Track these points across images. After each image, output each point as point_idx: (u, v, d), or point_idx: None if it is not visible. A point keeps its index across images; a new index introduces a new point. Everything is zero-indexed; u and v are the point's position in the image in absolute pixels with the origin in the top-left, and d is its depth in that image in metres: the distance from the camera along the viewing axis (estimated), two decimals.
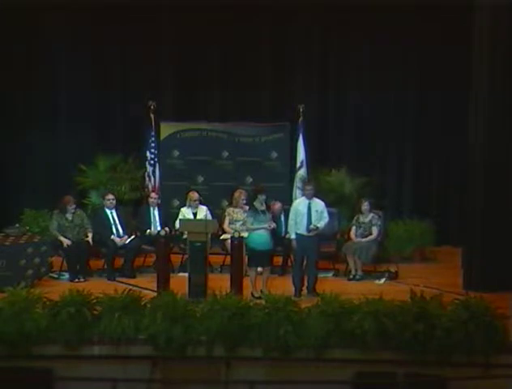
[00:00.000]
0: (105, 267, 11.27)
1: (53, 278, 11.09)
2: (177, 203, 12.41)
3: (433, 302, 8.99)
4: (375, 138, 13.37)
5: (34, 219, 12.32)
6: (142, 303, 9.12)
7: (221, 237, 11.32)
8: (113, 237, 11.31)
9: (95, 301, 9.08)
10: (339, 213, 11.98)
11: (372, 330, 8.70)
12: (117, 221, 11.44)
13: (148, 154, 12.60)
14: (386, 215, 12.06)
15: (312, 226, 10.22)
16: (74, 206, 11.32)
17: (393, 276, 11.19)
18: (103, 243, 11.30)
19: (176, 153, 12.80)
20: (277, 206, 11.44)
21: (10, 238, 10.76)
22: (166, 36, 13.35)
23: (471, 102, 10.53)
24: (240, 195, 11.45)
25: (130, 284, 10.21)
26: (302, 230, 10.25)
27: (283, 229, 11.04)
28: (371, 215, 11.41)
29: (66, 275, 11.09)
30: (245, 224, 10.48)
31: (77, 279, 10.89)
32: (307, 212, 10.26)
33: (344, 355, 8.83)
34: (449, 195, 13.36)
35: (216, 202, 12.36)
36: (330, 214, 10.86)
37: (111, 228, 11.38)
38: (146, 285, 10.42)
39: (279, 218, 11.25)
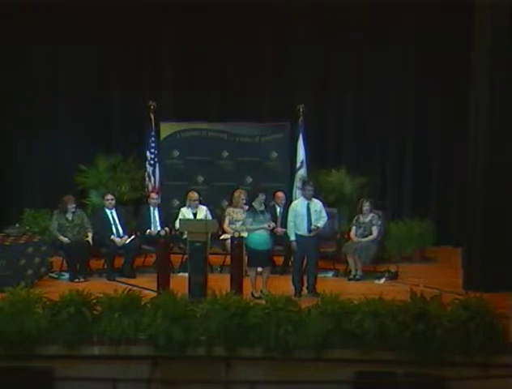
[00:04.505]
0: (105, 267, 11.27)
1: (53, 278, 11.10)
2: (176, 203, 12.42)
3: (433, 302, 8.99)
4: (375, 138, 13.38)
5: (34, 219, 12.32)
6: (142, 303, 9.13)
7: (221, 237, 11.32)
8: (112, 237, 11.31)
9: (95, 301, 9.09)
10: (339, 213, 11.99)
11: (372, 330, 8.70)
12: (117, 221, 11.45)
13: (148, 154, 12.60)
14: (386, 215, 12.06)
15: (313, 226, 10.22)
16: (74, 206, 11.33)
17: (393, 276, 11.20)
18: (103, 243, 11.30)
19: (176, 153, 12.80)
20: (281, 195, 11.58)
21: (10, 238, 10.76)
22: (166, 36, 13.36)
23: (471, 102, 10.54)
24: (240, 195, 11.45)
25: (130, 284, 10.21)
26: (303, 231, 10.25)
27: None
28: (371, 215, 11.42)
29: (66, 275, 11.09)
30: (244, 224, 10.47)
31: (77, 280, 10.89)
32: (306, 213, 10.26)
33: (344, 355, 8.84)
34: (449, 195, 13.35)
35: (216, 202, 12.36)
36: (330, 214, 10.88)
37: (111, 228, 11.38)
38: (146, 285, 10.42)
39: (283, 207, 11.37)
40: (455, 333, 8.69)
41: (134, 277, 11.10)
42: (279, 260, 11.28)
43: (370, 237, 11.34)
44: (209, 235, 10.21)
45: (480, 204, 10.45)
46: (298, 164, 12.55)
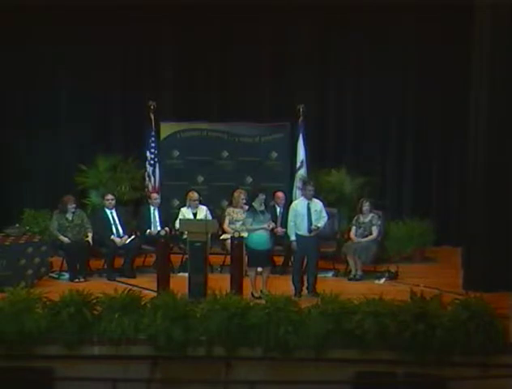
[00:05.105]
0: (105, 267, 11.27)
1: (53, 278, 11.09)
2: (176, 203, 12.42)
3: (433, 302, 9.00)
4: (375, 138, 13.38)
5: (34, 219, 12.32)
6: (142, 303, 9.13)
7: (221, 237, 11.32)
8: (112, 237, 11.31)
9: (95, 301, 9.09)
10: (339, 213, 11.99)
11: (372, 330, 8.70)
12: (117, 221, 11.45)
13: (148, 154, 12.60)
14: (386, 215, 12.06)
15: (313, 226, 10.22)
16: (74, 205, 11.33)
17: (393, 276, 11.19)
18: (103, 243, 11.30)
19: (176, 153, 12.80)
20: (281, 195, 11.56)
21: (10, 238, 10.76)
22: (166, 36, 13.36)
23: (471, 102, 10.54)
24: (239, 195, 11.45)
25: (130, 284, 10.21)
26: (303, 231, 10.25)
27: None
28: (371, 215, 11.42)
29: (66, 275, 11.09)
30: (244, 224, 10.47)
31: (77, 280, 10.89)
32: (307, 213, 10.26)
33: (344, 355, 8.84)
34: (449, 195, 13.35)
35: (216, 202, 12.36)
36: (330, 214, 10.87)
37: (111, 228, 11.38)
38: (146, 285, 10.41)
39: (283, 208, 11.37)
40: (455, 333, 8.69)
41: (134, 277, 11.10)
42: (279, 260, 11.28)
43: (370, 237, 11.34)
44: (209, 235, 10.22)
45: (480, 204, 10.44)
46: (298, 164, 12.55)
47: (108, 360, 8.91)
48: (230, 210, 11.52)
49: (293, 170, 12.61)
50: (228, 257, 10.50)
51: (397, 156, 13.43)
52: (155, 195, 11.90)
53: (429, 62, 12.92)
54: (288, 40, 13.28)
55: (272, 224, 10.35)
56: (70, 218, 11.28)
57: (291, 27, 13.21)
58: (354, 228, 11.45)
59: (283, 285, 10.21)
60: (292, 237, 10.31)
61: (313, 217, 10.27)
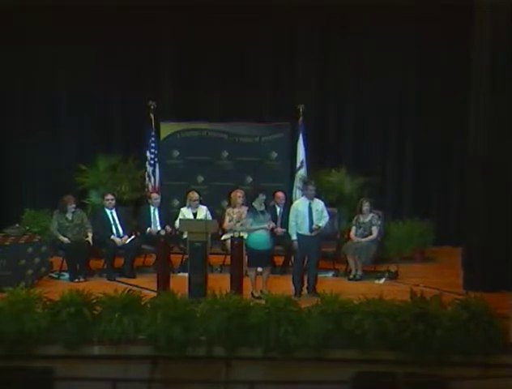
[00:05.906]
0: (105, 267, 11.27)
1: (53, 278, 11.09)
2: (176, 202, 12.43)
3: (433, 302, 8.99)
4: (374, 139, 13.39)
5: (34, 219, 12.32)
6: (142, 303, 9.13)
7: (222, 238, 11.32)
8: (112, 237, 11.31)
9: (95, 301, 9.08)
10: (339, 213, 12.00)
11: (372, 330, 8.70)
12: (117, 221, 11.44)
13: (148, 154, 12.61)
14: (386, 215, 12.06)
15: (314, 226, 10.22)
16: (74, 205, 11.32)
17: (393, 276, 11.19)
18: (103, 243, 11.30)
19: (176, 153, 12.82)
20: (281, 195, 11.54)
21: (10, 238, 10.75)
22: (166, 36, 13.36)
23: (471, 102, 10.54)
24: (235, 195, 11.44)
25: (130, 284, 10.21)
26: (304, 231, 10.25)
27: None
28: (371, 215, 11.42)
29: (66, 275, 11.09)
30: (244, 224, 10.47)
31: (77, 280, 10.89)
32: (308, 213, 10.26)
33: (344, 355, 8.83)
34: (449, 195, 13.36)
35: (216, 202, 12.37)
36: (330, 214, 10.88)
37: (111, 228, 11.38)
38: (146, 285, 10.42)
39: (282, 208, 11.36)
40: (455, 333, 8.69)
41: (134, 277, 11.10)
42: (279, 260, 11.28)
43: (370, 237, 11.34)
44: (209, 235, 10.21)
45: (480, 204, 10.44)
46: (298, 164, 12.56)
47: (108, 360, 8.90)
48: (230, 210, 11.52)
49: (293, 170, 12.62)
50: (228, 257, 10.49)
51: (397, 156, 13.44)
52: (155, 195, 11.89)
53: (429, 62, 12.92)
54: (288, 40, 13.29)
55: (272, 224, 10.36)
56: (70, 218, 11.28)
57: (291, 27, 13.22)
58: (354, 228, 11.45)
59: (283, 285, 10.21)
60: (294, 237, 10.31)
61: (315, 217, 10.27)
